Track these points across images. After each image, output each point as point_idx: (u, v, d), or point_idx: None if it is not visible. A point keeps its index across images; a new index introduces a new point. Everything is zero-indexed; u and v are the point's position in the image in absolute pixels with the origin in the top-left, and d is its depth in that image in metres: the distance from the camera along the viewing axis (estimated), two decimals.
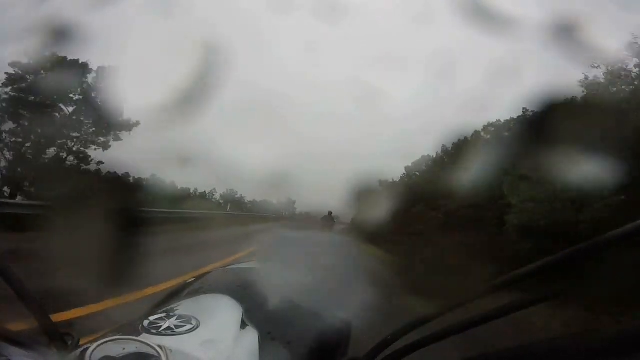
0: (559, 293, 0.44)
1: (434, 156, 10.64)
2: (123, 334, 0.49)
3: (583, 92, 5.98)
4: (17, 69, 8.88)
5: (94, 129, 10.25)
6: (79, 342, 0.57)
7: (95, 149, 10.26)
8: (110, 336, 0.47)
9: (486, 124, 9.06)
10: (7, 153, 9.23)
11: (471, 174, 5.85)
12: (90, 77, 9.88)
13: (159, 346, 0.46)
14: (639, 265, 0.39)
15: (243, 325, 0.64)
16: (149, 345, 0.46)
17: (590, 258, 0.41)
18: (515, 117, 7.66)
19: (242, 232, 9.75)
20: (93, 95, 9.90)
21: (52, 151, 9.87)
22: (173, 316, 0.59)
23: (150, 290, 2.46)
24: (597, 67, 6.05)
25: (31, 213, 5.28)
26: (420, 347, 0.47)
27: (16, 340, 0.49)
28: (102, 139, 10.34)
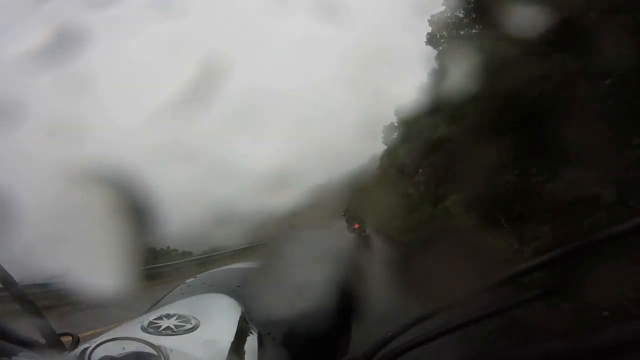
0: (557, 291, 0.44)
1: None
2: (123, 334, 0.49)
3: None
4: None
5: None
6: (78, 341, 0.57)
7: None
8: (110, 336, 0.48)
9: None
10: None
11: None
12: None
13: (159, 346, 0.46)
14: (637, 262, 0.39)
15: (243, 325, 0.64)
16: (148, 345, 0.46)
17: (588, 255, 0.41)
18: None
19: None
20: None
21: None
22: (173, 316, 0.59)
23: None
24: None
25: None
26: (418, 346, 0.47)
27: (18, 340, 0.49)
28: None
